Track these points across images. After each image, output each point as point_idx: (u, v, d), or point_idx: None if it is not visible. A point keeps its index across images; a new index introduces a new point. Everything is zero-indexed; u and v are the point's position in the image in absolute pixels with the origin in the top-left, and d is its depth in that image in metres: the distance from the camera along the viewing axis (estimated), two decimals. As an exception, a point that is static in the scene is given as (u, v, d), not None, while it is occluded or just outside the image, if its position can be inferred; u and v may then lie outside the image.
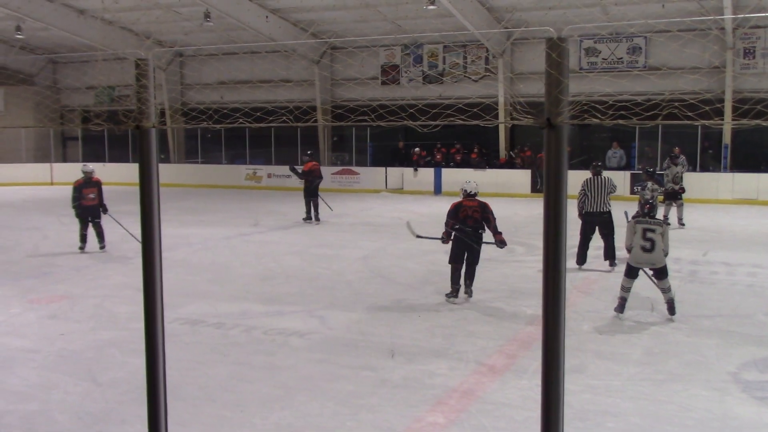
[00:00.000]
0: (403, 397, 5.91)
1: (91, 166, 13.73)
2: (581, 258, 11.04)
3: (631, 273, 8.22)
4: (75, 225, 12.97)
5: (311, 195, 16.67)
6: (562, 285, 2.45)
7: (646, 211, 8.33)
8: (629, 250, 8.26)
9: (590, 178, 11.05)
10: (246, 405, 5.77)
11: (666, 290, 8.15)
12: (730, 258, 11.72)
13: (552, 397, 2.50)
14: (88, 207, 12.76)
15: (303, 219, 16.59)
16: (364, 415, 5.55)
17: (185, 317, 8.40)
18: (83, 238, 12.84)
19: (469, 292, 9.15)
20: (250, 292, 9.83)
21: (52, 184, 28.16)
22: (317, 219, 16.61)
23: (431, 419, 5.49)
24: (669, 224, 13.50)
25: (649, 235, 8.03)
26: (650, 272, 8.25)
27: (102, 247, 12.82)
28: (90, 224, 12.87)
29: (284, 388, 6.15)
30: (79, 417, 5.60)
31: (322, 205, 16.85)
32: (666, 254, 8.08)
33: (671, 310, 8.16)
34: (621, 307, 8.27)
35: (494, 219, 9.08)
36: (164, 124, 23.93)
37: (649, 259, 8.08)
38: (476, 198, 9.18)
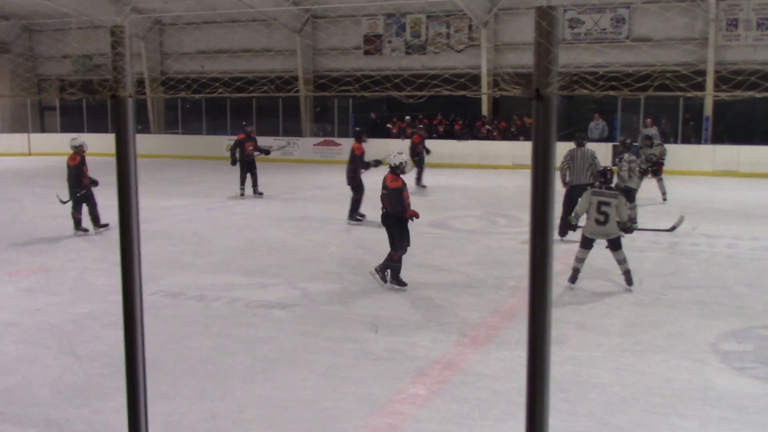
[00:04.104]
0: (386, 369, 5.92)
1: (81, 137, 12.20)
2: (563, 230, 11.05)
3: (586, 244, 8.29)
4: (53, 197, 12.56)
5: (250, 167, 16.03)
6: (550, 256, 2.42)
7: (601, 181, 8.38)
8: (578, 217, 8.34)
9: (573, 150, 11.03)
10: (228, 377, 5.75)
11: (621, 261, 8.22)
12: (711, 230, 11.81)
13: (538, 369, 2.49)
14: (89, 186, 11.60)
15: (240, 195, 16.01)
16: (346, 387, 5.55)
17: (166, 289, 8.34)
18: (80, 222, 11.76)
19: (377, 271, 8.43)
20: (232, 264, 9.77)
21: (29, 154, 27.75)
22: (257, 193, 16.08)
23: (413, 391, 5.50)
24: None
25: (604, 208, 8.08)
26: (605, 243, 8.30)
27: (105, 225, 11.77)
28: (84, 205, 11.64)
29: (266, 361, 6.13)
30: (59, 390, 5.55)
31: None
32: (624, 222, 8.09)
33: (628, 280, 8.24)
34: (574, 277, 8.31)
35: (389, 198, 8.28)
36: (142, 93, 23.63)
37: (602, 231, 8.14)
38: (387, 174, 8.44)
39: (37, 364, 6.11)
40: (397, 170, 8.38)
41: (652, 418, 5.06)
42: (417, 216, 8.29)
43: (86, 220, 11.79)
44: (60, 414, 5.17)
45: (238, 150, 16.04)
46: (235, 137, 26.36)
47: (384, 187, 8.36)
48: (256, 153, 16.10)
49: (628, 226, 8.24)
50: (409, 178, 16.38)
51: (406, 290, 8.28)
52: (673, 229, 8.88)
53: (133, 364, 3.22)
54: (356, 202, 12.88)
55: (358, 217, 12.83)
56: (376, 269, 8.45)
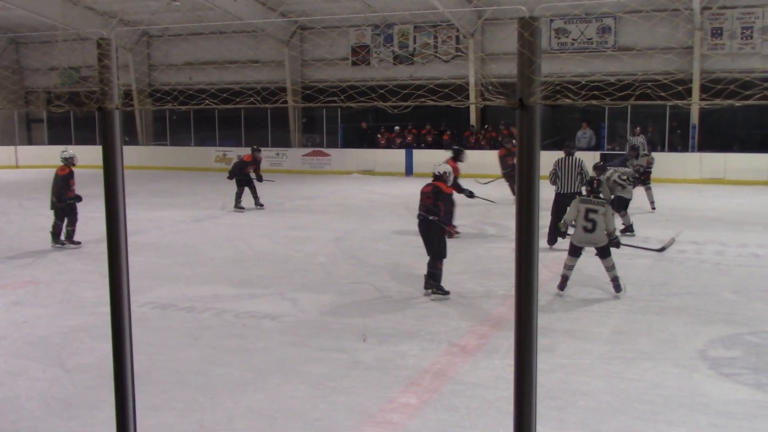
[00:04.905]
0: (376, 379, 5.91)
1: (71, 150, 12.17)
2: (552, 238, 11.11)
3: (574, 252, 8.37)
4: (40, 209, 12.49)
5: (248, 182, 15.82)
6: (535, 265, 2.44)
7: (588, 191, 8.58)
8: (566, 224, 8.45)
9: (562, 158, 11.12)
10: (217, 389, 5.73)
11: (610, 268, 8.30)
12: (698, 237, 11.88)
13: (525, 378, 2.50)
14: (73, 200, 11.48)
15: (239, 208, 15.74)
16: (336, 397, 5.55)
17: (155, 301, 8.30)
18: (60, 234, 11.62)
19: (428, 288, 8.47)
20: (222, 275, 9.75)
21: (17, 167, 27.62)
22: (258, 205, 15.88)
23: (404, 400, 5.50)
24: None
25: (591, 216, 8.18)
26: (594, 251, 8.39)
27: (77, 243, 11.65)
28: (67, 219, 11.56)
29: (256, 371, 6.12)
30: (47, 403, 5.52)
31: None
32: (610, 233, 8.20)
33: (617, 288, 8.31)
34: (563, 285, 8.39)
35: (446, 205, 8.32)
36: (129, 105, 23.61)
37: (590, 239, 8.23)
38: (436, 182, 8.45)
39: (25, 377, 6.07)
40: (441, 179, 8.47)
41: (641, 425, 5.08)
42: (452, 236, 8.35)
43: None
44: (48, 427, 5.14)
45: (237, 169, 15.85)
46: (224, 148, 26.60)
47: (437, 192, 8.33)
48: (252, 175, 15.85)
49: (615, 237, 8.30)
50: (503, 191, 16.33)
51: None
52: (662, 249, 8.93)
53: (122, 376, 3.21)
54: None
55: (457, 231, 12.08)
56: (432, 291, 8.40)
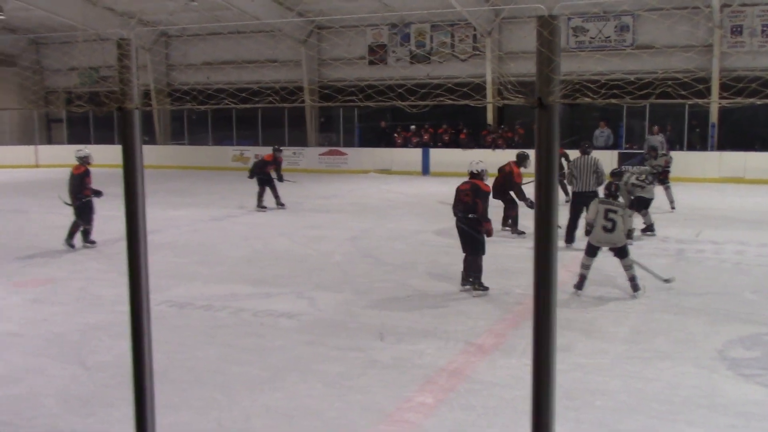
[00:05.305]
0: (393, 378, 5.91)
1: (87, 149, 12.23)
2: (570, 237, 11.07)
3: (591, 251, 8.35)
4: (60, 208, 12.49)
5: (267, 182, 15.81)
6: (554, 264, 2.43)
7: (606, 194, 8.60)
8: (591, 225, 8.37)
9: (578, 158, 11.10)
10: (234, 387, 5.76)
11: (628, 267, 8.27)
12: (717, 236, 11.78)
13: (543, 377, 2.49)
14: (90, 198, 11.50)
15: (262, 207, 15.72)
16: (353, 396, 5.55)
17: (173, 300, 8.35)
18: (76, 233, 11.65)
19: (468, 284, 8.52)
20: (239, 273, 9.79)
21: (37, 166, 27.90)
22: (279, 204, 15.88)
23: (420, 399, 5.49)
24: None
25: (611, 215, 8.18)
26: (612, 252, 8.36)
27: (93, 243, 11.72)
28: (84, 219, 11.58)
29: (273, 370, 6.14)
30: (66, 400, 5.57)
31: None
32: (629, 235, 8.22)
33: (634, 287, 8.26)
34: (580, 284, 8.37)
35: (483, 204, 8.36)
36: (148, 105, 23.77)
37: (609, 239, 8.21)
38: (473, 180, 8.47)
39: (43, 375, 6.13)
40: (478, 177, 8.51)
41: (659, 425, 5.04)
42: (491, 234, 8.46)
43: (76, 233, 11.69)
44: (67, 424, 5.18)
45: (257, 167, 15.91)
46: (241, 148, 26.70)
47: (475, 190, 8.37)
48: (273, 175, 15.88)
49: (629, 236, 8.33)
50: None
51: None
52: (668, 281, 8.67)
53: (140, 374, 3.24)
54: (515, 218, 12.36)
55: (521, 230, 12.24)
56: (474, 287, 8.46)
